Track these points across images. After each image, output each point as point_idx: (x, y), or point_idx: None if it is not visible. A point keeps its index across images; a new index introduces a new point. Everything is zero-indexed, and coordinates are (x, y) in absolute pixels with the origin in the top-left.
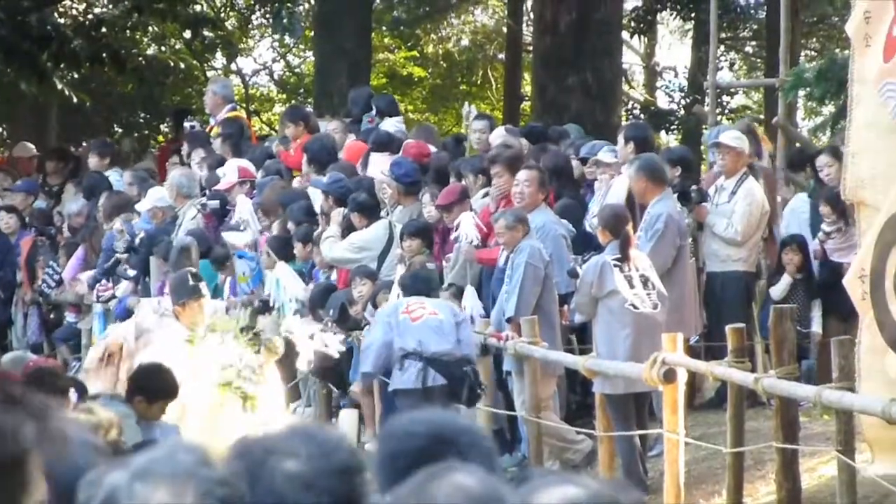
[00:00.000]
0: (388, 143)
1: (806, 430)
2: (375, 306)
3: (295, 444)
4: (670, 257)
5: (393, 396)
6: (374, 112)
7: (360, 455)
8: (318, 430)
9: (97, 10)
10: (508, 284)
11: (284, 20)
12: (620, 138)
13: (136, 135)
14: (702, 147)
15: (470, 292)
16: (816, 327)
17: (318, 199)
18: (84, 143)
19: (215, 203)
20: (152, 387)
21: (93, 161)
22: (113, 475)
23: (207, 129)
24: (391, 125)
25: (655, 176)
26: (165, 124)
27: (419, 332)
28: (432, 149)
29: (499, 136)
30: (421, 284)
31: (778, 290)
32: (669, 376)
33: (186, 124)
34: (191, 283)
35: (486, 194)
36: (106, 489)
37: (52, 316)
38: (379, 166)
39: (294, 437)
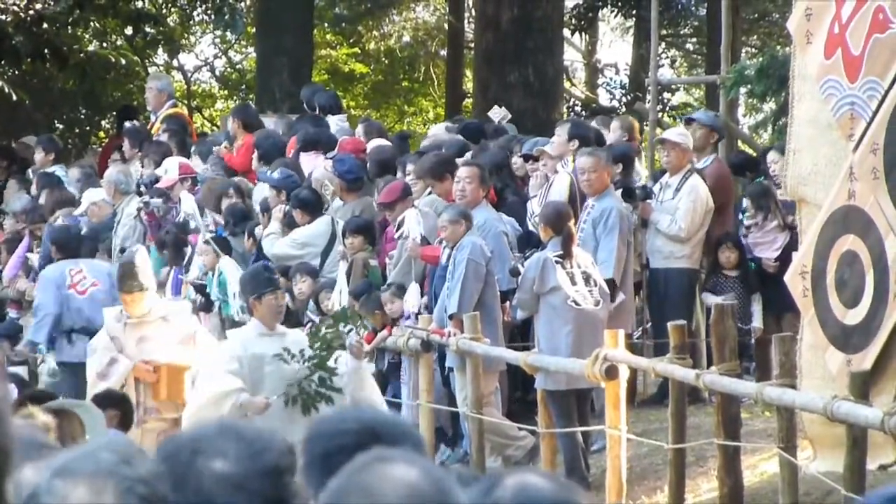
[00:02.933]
0: (315, 143)
1: (748, 426)
2: (318, 304)
3: (223, 443)
4: (624, 251)
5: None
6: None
7: (291, 454)
8: (248, 429)
9: (38, 6)
10: (450, 281)
11: (226, 16)
12: (563, 134)
13: (76, 131)
14: (642, 144)
15: (413, 289)
16: (757, 322)
17: (264, 194)
18: (21, 140)
19: (158, 201)
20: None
21: (38, 157)
22: (35, 473)
23: (149, 126)
24: (334, 122)
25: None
26: (106, 120)
27: (86, 306)
28: (381, 141)
29: (438, 132)
30: (73, 243)
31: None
32: (611, 373)
33: (127, 123)
34: (265, 275)
35: (431, 192)
36: (28, 487)
37: None
38: (308, 165)
39: (222, 436)
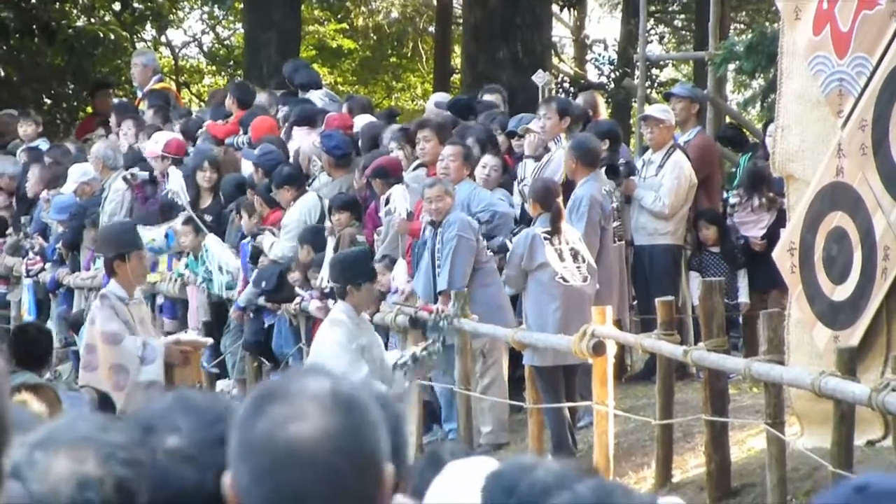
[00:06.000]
0: (310, 118)
1: (735, 402)
2: (307, 280)
3: (176, 417)
4: (596, 240)
5: None
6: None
7: None
8: (203, 401)
9: None
10: (440, 259)
11: None
12: (553, 114)
13: (64, 106)
14: (631, 121)
15: (401, 265)
16: (744, 297)
17: (250, 170)
18: (4, 111)
19: (144, 174)
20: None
21: (29, 129)
22: (15, 447)
23: (136, 102)
24: (318, 98)
25: (587, 158)
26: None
27: None
28: (367, 117)
29: (431, 107)
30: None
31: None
32: (599, 349)
33: (115, 100)
34: (369, 263)
35: (419, 165)
36: (10, 462)
37: None
38: (301, 140)
39: (176, 410)
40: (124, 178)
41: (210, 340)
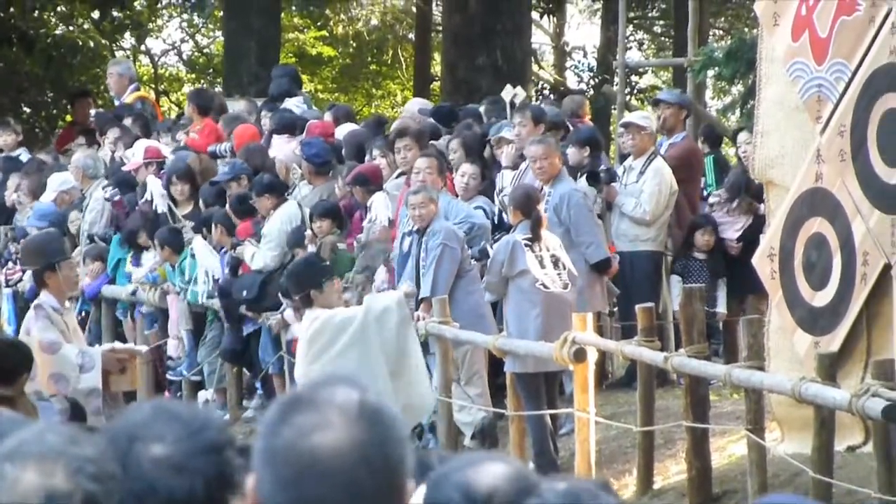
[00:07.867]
0: (290, 126)
1: (716, 408)
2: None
3: (159, 427)
4: (598, 226)
5: None
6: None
7: (229, 431)
8: (184, 410)
9: None
10: (424, 267)
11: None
12: (528, 121)
13: (43, 114)
14: (611, 127)
15: (381, 273)
16: (721, 308)
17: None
18: None
19: (115, 192)
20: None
21: (9, 139)
22: None
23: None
24: (293, 105)
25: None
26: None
27: None
28: (350, 126)
29: (411, 111)
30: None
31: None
32: (580, 356)
33: (92, 111)
34: (319, 263)
35: (401, 174)
36: None
37: None
38: (280, 148)
39: (158, 419)
40: (104, 196)
41: (145, 349)
